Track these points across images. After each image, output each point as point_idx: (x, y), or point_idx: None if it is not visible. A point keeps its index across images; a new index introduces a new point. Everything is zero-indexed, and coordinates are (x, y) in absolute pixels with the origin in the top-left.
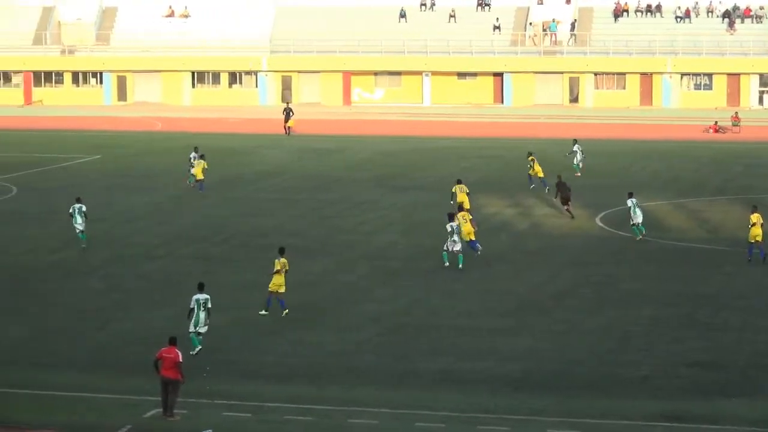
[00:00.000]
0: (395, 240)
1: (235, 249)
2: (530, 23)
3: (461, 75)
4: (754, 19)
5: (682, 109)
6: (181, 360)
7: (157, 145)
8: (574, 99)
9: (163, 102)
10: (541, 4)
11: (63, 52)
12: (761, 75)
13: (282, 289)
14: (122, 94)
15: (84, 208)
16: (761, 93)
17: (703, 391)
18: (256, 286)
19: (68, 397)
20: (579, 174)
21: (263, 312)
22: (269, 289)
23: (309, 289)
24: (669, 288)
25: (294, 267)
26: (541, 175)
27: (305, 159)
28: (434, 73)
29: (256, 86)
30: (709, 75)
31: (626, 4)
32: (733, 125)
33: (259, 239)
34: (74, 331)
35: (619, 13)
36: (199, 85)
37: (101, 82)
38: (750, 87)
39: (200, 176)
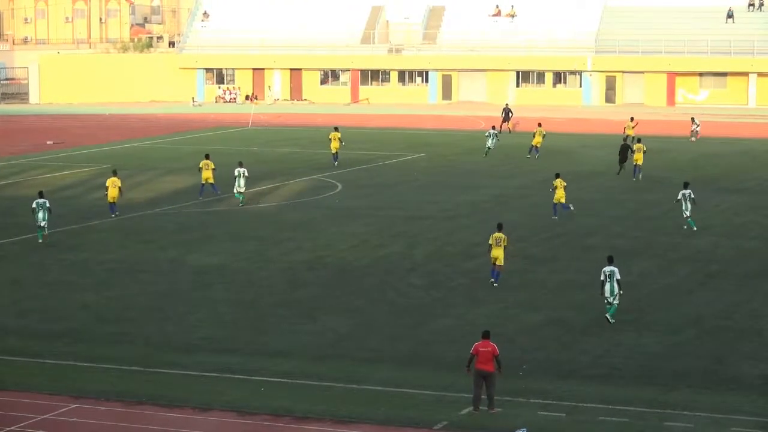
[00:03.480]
0: (716, 242)
1: (556, 248)
2: None
3: None
4: None
5: None
6: (498, 353)
7: (479, 144)
8: None
9: (488, 101)
10: None
11: (390, 51)
12: None
13: (498, 262)
14: (447, 93)
15: (48, 204)
16: None
17: None
18: (576, 285)
19: (387, 392)
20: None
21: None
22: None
23: (628, 290)
24: None
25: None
26: None
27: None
28: (760, 75)
29: (580, 86)
30: None
31: None
32: None
33: (582, 239)
34: (395, 327)
35: None
36: (523, 84)
37: (427, 81)
38: None
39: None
